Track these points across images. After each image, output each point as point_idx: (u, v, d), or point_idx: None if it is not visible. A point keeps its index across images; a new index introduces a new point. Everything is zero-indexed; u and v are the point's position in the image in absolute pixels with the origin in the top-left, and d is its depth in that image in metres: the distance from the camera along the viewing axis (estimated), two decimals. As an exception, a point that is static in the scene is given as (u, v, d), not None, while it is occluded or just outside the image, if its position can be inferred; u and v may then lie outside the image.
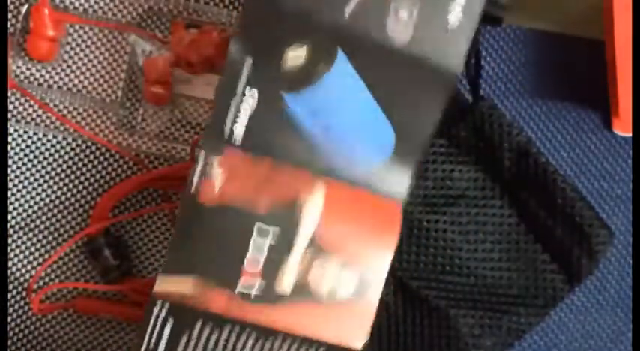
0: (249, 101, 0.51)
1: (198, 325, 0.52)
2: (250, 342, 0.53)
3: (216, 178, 0.52)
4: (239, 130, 0.52)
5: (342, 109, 0.52)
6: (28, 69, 0.62)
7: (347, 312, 0.53)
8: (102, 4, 0.61)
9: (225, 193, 0.52)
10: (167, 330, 0.52)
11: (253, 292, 0.52)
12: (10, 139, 0.62)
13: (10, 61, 0.61)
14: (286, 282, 0.52)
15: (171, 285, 0.52)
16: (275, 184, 0.52)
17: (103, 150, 0.62)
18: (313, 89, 0.52)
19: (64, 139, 0.62)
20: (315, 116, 0.52)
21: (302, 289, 0.53)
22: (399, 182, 0.54)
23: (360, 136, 0.53)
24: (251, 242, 0.52)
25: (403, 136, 0.53)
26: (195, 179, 0.51)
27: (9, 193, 0.62)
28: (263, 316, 0.52)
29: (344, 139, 0.53)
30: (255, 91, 0.51)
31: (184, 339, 0.53)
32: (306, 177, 0.53)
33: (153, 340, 0.53)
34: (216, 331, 0.53)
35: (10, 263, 0.62)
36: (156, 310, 0.52)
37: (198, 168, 0.51)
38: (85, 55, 0.62)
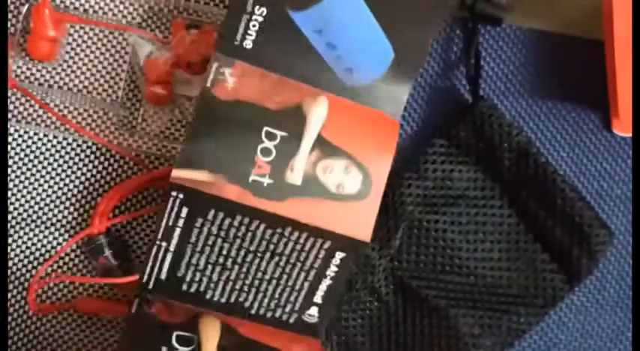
0: (257, 18, 0.55)
1: (212, 212, 0.55)
2: (261, 230, 0.55)
3: (229, 82, 0.55)
4: (248, 45, 0.55)
5: (345, 27, 0.56)
6: (28, 69, 0.62)
7: (353, 208, 0.55)
8: (102, 4, 0.61)
9: (239, 91, 0.55)
10: (184, 213, 0.55)
11: (264, 186, 0.54)
12: (10, 139, 0.62)
13: (10, 61, 0.60)
14: (296, 176, 0.55)
15: (187, 175, 0.54)
16: (282, 93, 0.55)
17: (104, 150, 0.62)
18: (318, 8, 0.55)
19: (64, 139, 0.62)
20: (319, 34, 0.56)
21: (311, 185, 0.55)
22: (396, 99, 0.57)
23: (361, 52, 0.56)
24: (260, 145, 0.54)
25: (400, 51, 0.56)
26: (209, 82, 0.54)
27: (9, 193, 0.62)
28: (274, 208, 0.54)
29: (346, 55, 0.56)
30: (263, 9, 0.55)
31: (199, 221, 0.55)
32: (310, 89, 0.56)
33: (171, 220, 0.55)
34: (228, 218, 0.55)
35: (10, 263, 0.62)
36: (173, 196, 0.54)
37: (211, 76, 0.54)
38: (86, 55, 0.62)
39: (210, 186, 0.54)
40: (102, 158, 0.62)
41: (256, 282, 0.57)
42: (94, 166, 0.62)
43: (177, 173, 0.54)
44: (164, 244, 0.56)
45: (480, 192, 0.60)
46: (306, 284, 0.57)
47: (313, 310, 0.58)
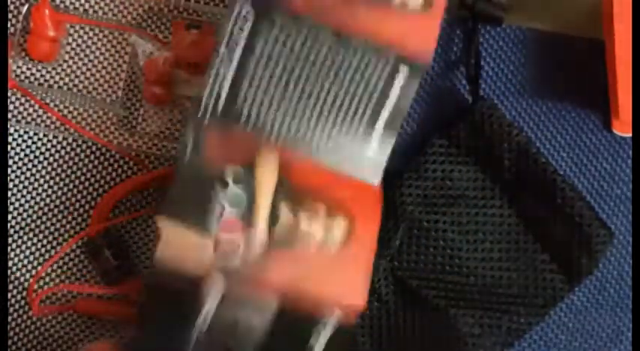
0: None
1: (277, 24, 0.52)
2: (327, 38, 0.53)
3: None
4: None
5: None
6: (28, 69, 0.62)
7: (416, 20, 0.54)
8: (102, 4, 0.61)
9: None
10: (250, 15, 0.52)
11: None
12: (10, 139, 0.62)
13: (10, 61, 0.61)
14: None
15: None
16: None
17: (103, 150, 0.62)
18: None
19: (64, 139, 0.62)
20: None
21: None
22: None
23: None
24: None
25: None
26: None
27: (9, 193, 0.62)
28: (342, 16, 0.53)
29: None
30: None
31: (265, 27, 0.52)
32: None
33: (238, 25, 0.52)
34: (295, 23, 0.52)
35: (10, 263, 0.62)
36: (237, 8, 0.52)
37: None
38: (86, 56, 0.62)
39: None
40: (102, 158, 0.62)
41: (317, 109, 0.54)
42: (93, 166, 0.62)
43: None
44: (226, 56, 0.52)
45: (480, 192, 0.60)
46: (368, 111, 0.54)
47: (373, 147, 0.55)
